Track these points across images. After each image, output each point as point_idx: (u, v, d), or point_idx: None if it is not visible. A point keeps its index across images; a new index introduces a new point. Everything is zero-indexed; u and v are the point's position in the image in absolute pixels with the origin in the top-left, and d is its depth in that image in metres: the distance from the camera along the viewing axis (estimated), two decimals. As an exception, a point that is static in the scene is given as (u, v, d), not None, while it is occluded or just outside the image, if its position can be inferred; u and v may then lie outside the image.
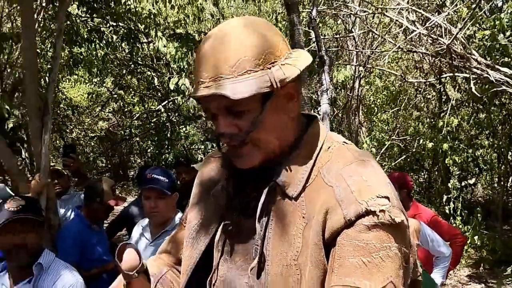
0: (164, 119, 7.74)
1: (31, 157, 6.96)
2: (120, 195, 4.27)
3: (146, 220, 3.00)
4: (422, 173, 9.33)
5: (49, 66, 6.29)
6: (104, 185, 3.59)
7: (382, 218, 0.98)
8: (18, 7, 6.52)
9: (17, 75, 6.77)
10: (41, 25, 5.72)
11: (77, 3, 5.54)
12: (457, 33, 4.90)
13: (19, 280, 2.22)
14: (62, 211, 3.93)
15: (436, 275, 3.41)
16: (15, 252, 2.16)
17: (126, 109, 8.57)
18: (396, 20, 5.45)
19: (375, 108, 10.18)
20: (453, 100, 6.90)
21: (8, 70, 6.65)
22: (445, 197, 7.15)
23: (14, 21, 6.87)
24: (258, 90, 1.03)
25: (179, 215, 2.88)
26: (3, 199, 2.65)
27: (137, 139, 8.12)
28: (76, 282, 2.25)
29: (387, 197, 1.00)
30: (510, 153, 7.52)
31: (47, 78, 5.33)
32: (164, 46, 6.04)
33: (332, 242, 1.01)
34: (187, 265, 1.21)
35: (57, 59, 3.66)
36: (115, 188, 3.82)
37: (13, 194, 2.81)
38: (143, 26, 6.48)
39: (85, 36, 5.86)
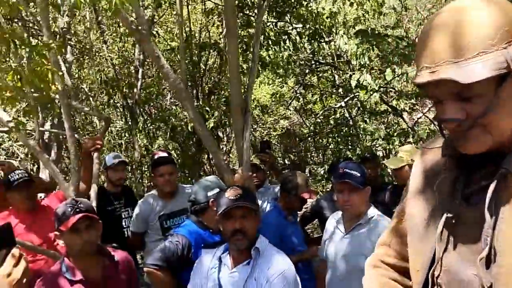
0: (346, 115, 7.80)
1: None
2: (311, 188, 4.44)
3: (340, 213, 3.07)
4: None
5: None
6: (298, 179, 3.77)
7: None
8: (213, 18, 7.23)
9: (212, 80, 7.49)
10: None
11: (267, 9, 5.91)
12: None
13: (239, 261, 2.45)
14: (259, 202, 4.24)
15: None
16: (235, 237, 2.40)
17: (306, 107, 8.85)
18: None
19: None
20: None
21: (207, 75, 7.39)
22: None
23: (209, 30, 7.61)
24: (491, 72, 0.96)
25: (372, 209, 2.90)
26: (220, 189, 2.98)
27: (317, 136, 8.33)
28: (289, 268, 2.42)
29: None
30: None
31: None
32: (345, 44, 6.09)
33: None
34: (420, 261, 1.19)
35: (256, 62, 3.96)
36: (308, 181, 4.00)
37: (224, 185, 3.11)
38: (325, 25, 6.63)
39: (273, 39, 6.22)
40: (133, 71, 8.32)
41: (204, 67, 7.39)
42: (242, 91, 3.85)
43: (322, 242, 3.15)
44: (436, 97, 1.06)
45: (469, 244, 1.08)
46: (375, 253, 1.46)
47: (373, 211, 2.88)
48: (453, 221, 1.12)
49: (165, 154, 4.00)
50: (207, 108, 5.81)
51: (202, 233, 2.97)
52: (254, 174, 4.38)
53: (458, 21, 1.00)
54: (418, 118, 8.36)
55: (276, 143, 10.69)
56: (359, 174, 2.81)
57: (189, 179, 7.50)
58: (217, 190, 2.96)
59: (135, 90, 7.79)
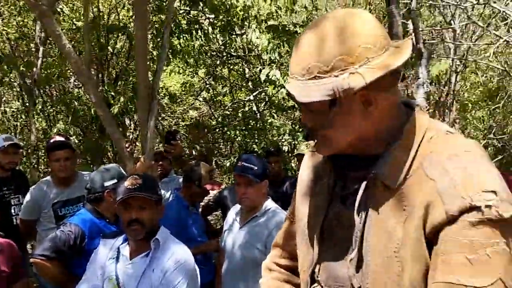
0: (254, 109, 7.89)
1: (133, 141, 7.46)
2: (215, 180, 4.46)
3: (239, 206, 3.12)
4: (520, 175, 8.76)
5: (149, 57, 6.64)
6: (202, 170, 3.77)
7: (488, 214, 0.94)
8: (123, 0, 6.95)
9: (120, 65, 7.22)
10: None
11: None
12: None
13: (138, 252, 2.39)
14: (162, 192, 4.16)
15: None
16: (131, 227, 2.33)
17: (216, 99, 8.83)
18: (502, 12, 5.15)
19: (469, 104, 9.69)
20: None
21: (114, 60, 7.09)
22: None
23: (119, 13, 7.31)
24: (320, 97, 1.04)
25: (269, 201, 2.95)
26: (118, 178, 2.89)
27: (225, 128, 8.35)
28: (188, 259, 2.40)
29: (494, 191, 0.95)
30: None
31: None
32: (257, 38, 6.16)
33: (434, 238, 0.99)
34: (306, 262, 1.25)
35: (165, 48, 3.88)
36: (212, 173, 4.00)
37: (125, 173, 3.02)
38: (237, 18, 6.64)
39: (185, 27, 6.11)
40: (33, 49, 7.77)
41: (112, 51, 7.09)
42: (150, 78, 3.75)
43: (222, 233, 3.17)
44: (297, 104, 1.17)
45: (344, 244, 1.15)
46: (269, 255, 1.50)
47: (270, 204, 2.93)
48: (332, 223, 1.18)
49: (62, 138, 3.78)
50: (112, 93, 5.58)
51: (98, 223, 2.87)
52: (160, 163, 4.30)
53: (309, 43, 1.07)
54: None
55: (184, 133, 10.58)
56: (256, 168, 2.83)
57: (91, 166, 7.18)
58: (115, 180, 2.87)
59: (34, 69, 7.28)
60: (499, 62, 8.57)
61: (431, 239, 1.00)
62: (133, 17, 6.83)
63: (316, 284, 1.22)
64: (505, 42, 5.20)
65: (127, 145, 3.92)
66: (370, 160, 1.12)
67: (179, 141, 4.20)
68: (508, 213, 0.95)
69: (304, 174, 1.33)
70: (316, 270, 1.21)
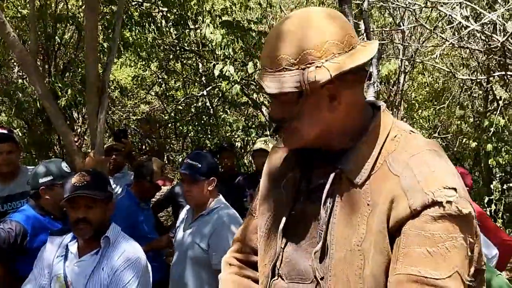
0: (207, 104, 7.83)
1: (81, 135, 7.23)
2: (167, 176, 4.39)
3: None
4: (462, 173, 9.15)
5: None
6: (154, 165, 3.70)
7: (449, 209, 0.99)
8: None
9: (68, 56, 6.96)
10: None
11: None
12: (512, 31, 4.78)
13: (87, 250, 2.32)
14: (114, 187, 4.06)
15: None
16: (78, 226, 2.26)
17: (168, 94, 8.69)
18: (448, 15, 5.35)
19: (416, 104, 10.01)
20: (501, 99, 6.72)
21: (61, 50, 6.84)
22: (486, 198, 7.00)
23: (67, 1, 7.05)
24: (287, 89, 1.08)
25: (218, 200, 2.89)
26: (57, 174, 2.79)
27: (178, 124, 8.24)
28: (139, 257, 2.35)
29: (454, 188, 1.01)
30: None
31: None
32: (211, 33, 6.09)
33: (397, 231, 1.04)
34: (268, 256, 1.26)
35: (117, 40, 3.77)
36: (164, 168, 3.93)
37: (65, 170, 2.90)
38: (191, 12, 6.56)
39: (137, 20, 5.96)
40: (-27, 37, 7.36)
41: (59, 41, 6.83)
42: (100, 70, 3.64)
43: (175, 230, 3.13)
44: (268, 96, 1.21)
45: (308, 238, 1.18)
46: (230, 250, 1.50)
47: (218, 202, 2.86)
48: (296, 217, 1.21)
49: (4, 131, 3.61)
50: (60, 85, 5.37)
51: (42, 219, 2.77)
52: (113, 157, 4.19)
53: (278, 36, 1.11)
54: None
55: (135, 127, 10.36)
56: (201, 165, 2.77)
57: (36, 160, 6.90)
58: (50, 177, 2.78)
59: (-26, 58, 6.91)
60: (445, 64, 8.91)
61: (394, 232, 1.04)
62: (83, 7, 6.61)
63: (276, 277, 1.23)
64: (451, 45, 5.41)
65: (75, 139, 3.80)
66: (335, 155, 1.16)
67: (129, 139, 4.13)
68: (466, 210, 1.01)
69: (268, 169, 1.35)
70: (278, 263, 1.23)
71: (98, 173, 2.46)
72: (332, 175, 1.13)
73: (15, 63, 7.77)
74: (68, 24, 6.48)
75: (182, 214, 3.08)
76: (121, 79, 8.80)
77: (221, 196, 2.93)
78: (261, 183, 1.37)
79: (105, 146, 3.87)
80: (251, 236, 1.40)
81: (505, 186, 7.43)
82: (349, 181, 1.12)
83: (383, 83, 8.16)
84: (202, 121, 7.75)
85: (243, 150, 7.44)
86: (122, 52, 6.62)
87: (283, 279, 1.22)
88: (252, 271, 1.40)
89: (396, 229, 1.04)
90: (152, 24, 6.13)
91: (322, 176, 1.17)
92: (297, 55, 1.07)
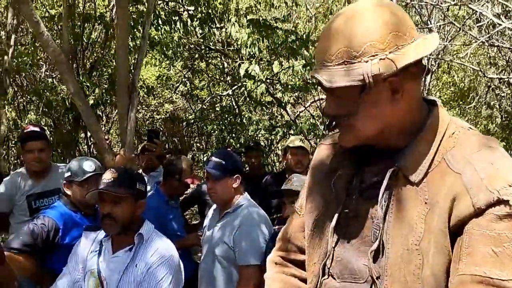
0: (232, 103, 7.83)
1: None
2: (196, 174, 4.40)
3: None
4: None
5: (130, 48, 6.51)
6: (183, 163, 3.71)
7: None
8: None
9: (95, 55, 7.04)
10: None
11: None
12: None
13: (121, 246, 2.34)
14: (148, 187, 4.09)
15: None
16: (104, 221, 2.29)
17: (193, 93, 8.71)
18: (478, 13, 5.24)
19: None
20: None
21: (90, 49, 6.92)
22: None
23: (95, 1, 7.14)
24: (349, 82, 1.04)
25: (243, 197, 2.86)
26: (75, 171, 2.83)
27: (202, 123, 8.26)
28: (172, 254, 2.35)
29: None
30: None
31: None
32: (237, 32, 6.10)
33: (459, 230, 1.01)
34: (317, 254, 1.23)
35: (146, 39, 3.80)
36: (193, 167, 3.94)
37: (90, 169, 2.92)
38: (217, 10, 6.57)
39: (164, 18, 6.00)
40: (4, 37, 7.49)
41: (87, 41, 6.91)
42: (129, 69, 3.67)
43: (203, 228, 3.13)
44: (324, 91, 1.14)
45: (360, 236, 1.15)
46: (274, 249, 1.47)
47: (243, 200, 2.84)
48: (348, 215, 1.18)
49: (36, 129, 3.66)
50: (87, 84, 5.43)
51: (74, 215, 2.80)
52: (149, 156, 4.23)
53: (338, 28, 1.07)
54: (300, 112, 8.71)
55: (159, 127, 10.44)
56: (225, 162, 2.77)
57: (62, 158, 7.01)
58: (69, 173, 2.84)
59: (5, 57, 7.03)
60: (471, 63, 8.76)
61: (456, 231, 1.02)
62: (109, 6, 6.68)
63: (327, 277, 1.21)
64: (480, 43, 5.31)
65: (106, 137, 3.84)
66: (389, 153, 1.13)
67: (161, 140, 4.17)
68: None
69: (316, 166, 1.32)
70: (328, 262, 1.20)
71: (126, 170, 2.47)
72: (389, 172, 1.10)
73: (42, 63, 7.90)
74: (95, 24, 6.55)
75: (210, 213, 3.08)
76: (146, 78, 8.87)
77: (246, 194, 2.91)
78: (308, 181, 1.34)
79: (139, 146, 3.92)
80: (297, 234, 1.38)
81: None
82: (405, 178, 1.10)
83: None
84: (227, 120, 7.75)
85: (268, 149, 7.42)
86: (148, 51, 6.67)
87: (334, 278, 1.20)
88: (298, 269, 1.38)
89: (458, 228, 1.01)
90: (178, 23, 6.16)
91: (376, 173, 1.14)
92: (360, 48, 1.04)
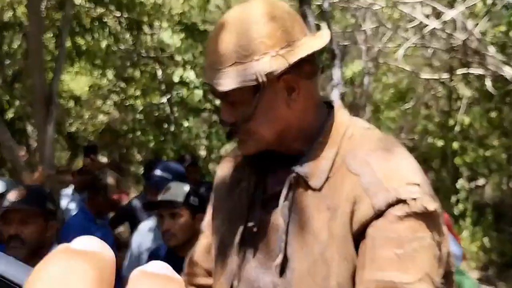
0: (168, 112, 7.59)
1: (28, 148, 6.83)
2: (123, 189, 4.15)
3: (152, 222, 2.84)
4: (430, 173, 9.22)
5: (48, 58, 6.13)
6: (108, 178, 3.46)
7: (414, 207, 0.92)
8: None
9: (17, 65, 6.61)
10: (44, 14, 5.57)
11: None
12: (473, 29, 4.76)
13: None
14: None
15: None
16: (10, 243, 2.02)
17: (127, 103, 8.39)
18: (408, 15, 5.31)
19: (382, 105, 10.06)
20: (465, 98, 6.77)
21: (8, 60, 6.49)
22: (453, 198, 7.03)
23: (15, 9, 6.71)
24: (241, 83, 0.99)
25: None
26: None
27: (138, 133, 7.96)
28: None
29: (417, 184, 0.95)
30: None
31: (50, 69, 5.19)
32: (170, 38, 5.90)
33: (362, 234, 0.97)
34: (224, 274, 1.15)
35: (64, 48, 3.59)
36: (120, 182, 3.69)
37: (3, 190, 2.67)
38: (147, 16, 6.33)
39: (88, 26, 5.69)
40: None
41: (8, 50, 6.47)
42: (49, 80, 3.44)
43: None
44: (218, 98, 1.10)
45: (267, 251, 1.08)
46: (183, 274, 1.36)
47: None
48: (254, 230, 1.10)
49: None
50: (6, 97, 5.04)
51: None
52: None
53: (225, 29, 1.03)
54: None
55: (94, 139, 10.03)
56: (171, 176, 2.68)
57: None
58: None
59: None
60: (407, 64, 8.97)
61: (358, 236, 0.97)
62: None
63: None
64: (413, 45, 5.38)
65: (22, 153, 3.56)
66: (291, 160, 1.06)
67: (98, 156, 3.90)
68: (432, 206, 0.94)
69: (220, 181, 1.25)
70: (235, 283, 1.12)
71: (36, 187, 2.23)
72: (288, 180, 1.04)
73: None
74: (16, 32, 6.14)
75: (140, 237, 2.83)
76: (77, 89, 8.47)
77: None
78: (213, 196, 1.26)
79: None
80: (204, 256, 1.28)
81: (472, 185, 7.50)
82: (306, 185, 1.04)
83: (347, 85, 8.14)
84: (164, 130, 7.50)
85: (206, 158, 7.22)
86: (76, 61, 6.33)
87: None
88: None
89: (361, 232, 0.96)
90: (104, 30, 5.85)
91: (278, 183, 1.07)
92: (249, 47, 0.99)
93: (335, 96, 4.48)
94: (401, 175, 0.96)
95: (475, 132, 7.17)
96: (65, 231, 3.25)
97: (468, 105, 7.25)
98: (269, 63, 0.98)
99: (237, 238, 1.11)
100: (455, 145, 6.45)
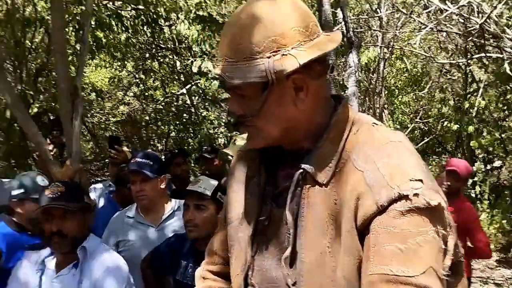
0: (187, 102, 7.68)
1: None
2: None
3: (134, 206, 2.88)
4: (445, 156, 9.21)
5: (69, 52, 6.26)
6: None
7: (416, 202, 0.95)
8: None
9: (39, 60, 6.75)
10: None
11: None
12: (490, 12, 4.74)
13: (64, 264, 2.21)
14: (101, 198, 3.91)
15: None
16: (53, 239, 2.14)
17: (147, 94, 8.51)
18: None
19: (396, 90, 10.03)
20: (481, 81, 6.73)
21: (32, 55, 6.63)
22: (470, 180, 7.02)
23: (36, 4, 6.84)
24: (251, 79, 1.01)
25: (173, 202, 2.79)
26: (28, 187, 2.65)
27: (159, 123, 8.07)
28: (119, 266, 2.24)
29: (420, 180, 0.96)
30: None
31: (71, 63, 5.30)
32: (187, 29, 5.97)
33: (366, 229, 1.00)
34: (239, 265, 1.21)
35: (86, 41, 3.63)
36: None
37: (44, 184, 2.76)
38: (163, 9, 6.40)
39: (105, 20, 5.78)
40: None
41: (30, 45, 6.62)
42: (73, 74, 3.50)
43: None
44: (227, 89, 1.11)
45: (278, 243, 1.13)
46: (204, 262, 1.44)
47: (175, 204, 2.77)
48: (264, 223, 1.15)
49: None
50: (31, 92, 5.18)
51: (18, 236, 2.62)
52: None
53: (240, 23, 1.04)
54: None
55: (116, 129, 10.17)
56: (152, 163, 2.67)
57: (15, 169, 6.70)
58: (22, 190, 2.64)
59: None
60: (422, 48, 8.91)
61: (363, 231, 1.00)
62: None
63: None
64: (429, 29, 5.37)
65: (50, 148, 3.65)
66: (299, 156, 1.10)
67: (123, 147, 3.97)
68: (435, 201, 0.96)
69: (234, 175, 1.28)
70: (250, 273, 1.18)
71: (72, 183, 2.34)
72: (296, 175, 1.07)
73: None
74: (37, 28, 6.27)
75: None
76: (97, 81, 8.62)
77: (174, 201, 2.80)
78: (228, 190, 1.30)
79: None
80: (222, 246, 1.35)
81: (488, 167, 7.48)
82: (313, 180, 1.07)
83: (363, 71, 8.14)
84: (184, 120, 7.61)
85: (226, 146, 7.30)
86: (96, 54, 6.45)
87: None
88: (226, 283, 1.35)
89: (365, 227, 0.99)
90: (122, 24, 5.94)
91: (287, 178, 1.11)
92: (261, 43, 1.01)
93: (351, 83, 4.53)
94: (403, 171, 0.98)
95: (491, 115, 7.13)
96: (95, 222, 3.38)
97: (484, 88, 7.21)
98: (280, 61, 1.00)
99: (250, 231, 1.17)
100: (471, 128, 6.43)
